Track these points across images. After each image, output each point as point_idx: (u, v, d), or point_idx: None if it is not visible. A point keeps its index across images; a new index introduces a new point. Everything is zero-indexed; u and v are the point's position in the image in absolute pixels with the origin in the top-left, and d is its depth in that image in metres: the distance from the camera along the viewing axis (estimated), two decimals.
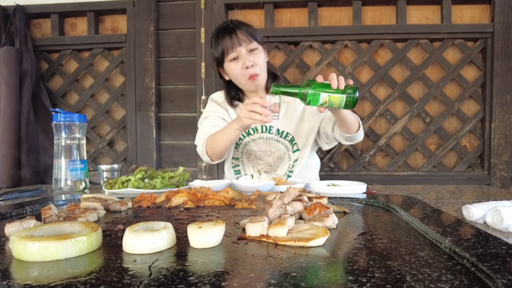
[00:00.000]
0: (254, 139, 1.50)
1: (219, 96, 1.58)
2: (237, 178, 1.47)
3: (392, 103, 1.99)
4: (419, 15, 1.99)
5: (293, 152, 1.50)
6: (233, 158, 1.57)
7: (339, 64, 2.00)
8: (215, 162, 1.45)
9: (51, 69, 2.19)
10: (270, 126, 1.49)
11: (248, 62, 1.35)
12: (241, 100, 1.54)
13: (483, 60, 1.93)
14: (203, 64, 2.03)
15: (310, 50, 2.04)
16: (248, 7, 2.06)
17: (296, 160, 1.50)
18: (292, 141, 1.49)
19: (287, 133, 1.48)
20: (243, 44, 1.35)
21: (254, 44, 1.37)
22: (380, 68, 1.96)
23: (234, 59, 1.38)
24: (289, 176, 1.49)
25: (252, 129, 1.49)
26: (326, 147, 1.52)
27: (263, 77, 1.42)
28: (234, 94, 1.52)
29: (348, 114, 1.23)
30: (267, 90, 1.50)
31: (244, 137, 1.51)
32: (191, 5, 2.05)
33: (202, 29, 2.03)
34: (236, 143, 1.53)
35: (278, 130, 1.49)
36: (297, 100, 1.36)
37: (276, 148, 1.49)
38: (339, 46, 1.99)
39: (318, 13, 2.02)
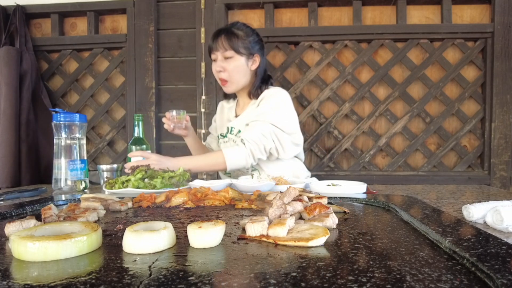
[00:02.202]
0: (225, 141, 1.59)
1: (220, 105, 1.73)
2: (227, 175, 1.58)
3: (392, 103, 1.99)
4: (419, 15, 1.99)
5: None
6: None
7: (339, 64, 2.00)
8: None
9: (51, 69, 2.19)
10: (232, 127, 1.56)
11: (218, 67, 1.47)
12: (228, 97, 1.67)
13: (483, 60, 1.93)
14: (203, 64, 2.03)
15: (310, 50, 2.04)
16: (248, 7, 2.06)
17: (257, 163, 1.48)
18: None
19: (239, 131, 1.53)
20: (220, 50, 1.45)
21: (229, 53, 1.45)
22: (380, 68, 1.96)
23: (214, 60, 1.49)
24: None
25: (223, 131, 1.61)
26: (281, 155, 1.47)
27: (233, 84, 1.50)
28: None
29: (199, 168, 1.39)
30: (249, 95, 1.55)
31: (219, 139, 1.63)
32: (191, 5, 2.05)
33: (202, 29, 2.03)
34: (218, 145, 1.66)
35: (238, 130, 1.53)
36: (256, 103, 1.49)
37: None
38: (339, 46, 1.99)
39: (318, 13, 2.02)
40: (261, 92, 1.52)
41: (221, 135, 1.63)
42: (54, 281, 0.37)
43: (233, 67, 1.46)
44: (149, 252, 0.47)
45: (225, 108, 1.68)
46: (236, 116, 1.60)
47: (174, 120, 1.45)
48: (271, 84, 1.57)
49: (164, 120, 1.47)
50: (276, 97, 1.47)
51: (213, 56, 1.49)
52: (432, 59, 1.94)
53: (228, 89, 1.52)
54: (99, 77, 2.15)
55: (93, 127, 2.19)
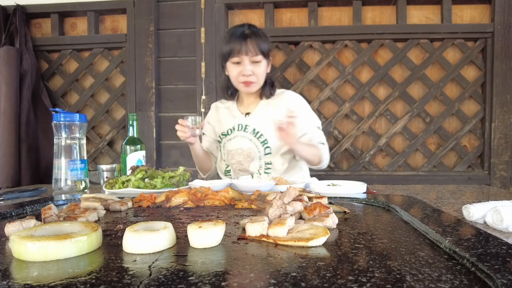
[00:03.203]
0: (230, 139, 1.57)
1: (210, 110, 1.72)
2: (228, 176, 1.60)
3: (392, 103, 1.98)
4: (419, 15, 1.99)
5: (264, 154, 1.52)
6: (222, 159, 1.65)
7: (339, 64, 2.00)
8: (205, 176, 1.68)
9: (51, 69, 2.19)
10: (246, 125, 1.54)
11: (247, 71, 1.44)
12: (233, 94, 1.64)
13: (483, 60, 1.93)
14: (203, 64, 2.03)
15: (310, 50, 2.04)
16: (248, 7, 2.06)
17: (270, 164, 1.51)
18: (264, 143, 1.51)
19: (261, 134, 1.52)
20: (249, 54, 1.42)
21: (259, 57, 1.44)
22: (380, 68, 1.96)
23: (237, 63, 1.45)
24: None
25: (230, 129, 1.58)
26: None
27: (257, 85, 1.51)
28: (233, 90, 1.61)
29: (306, 155, 1.42)
30: (260, 96, 1.57)
31: (222, 139, 1.61)
32: (191, 5, 2.05)
33: (202, 29, 2.03)
34: (219, 147, 1.65)
35: (254, 129, 1.53)
36: (284, 109, 1.50)
37: (247, 146, 1.53)
38: (339, 46, 1.99)
39: (318, 13, 2.02)
40: (274, 92, 1.57)
41: (222, 134, 1.62)
42: (54, 281, 0.37)
43: (262, 71, 1.48)
44: (149, 252, 0.47)
45: (220, 108, 1.66)
46: (246, 114, 1.58)
47: (190, 128, 1.38)
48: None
49: (178, 127, 1.39)
50: (306, 104, 1.58)
51: (236, 59, 1.44)
52: (432, 59, 1.94)
53: (252, 89, 1.51)
54: (99, 77, 2.15)
55: (93, 127, 2.19)
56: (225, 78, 1.61)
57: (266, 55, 1.47)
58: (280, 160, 1.52)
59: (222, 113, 1.65)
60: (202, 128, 1.46)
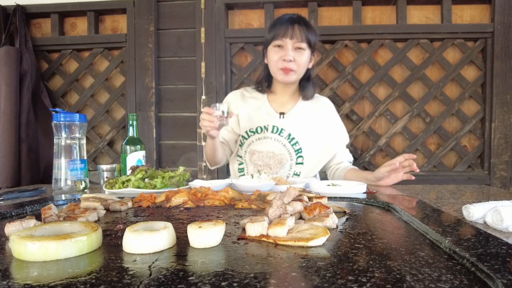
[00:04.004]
0: (259, 138, 1.46)
1: (232, 95, 1.58)
2: (239, 177, 1.49)
3: (392, 103, 1.98)
4: (419, 15, 1.99)
5: (296, 163, 1.45)
6: (237, 155, 1.54)
7: (339, 64, 2.00)
8: (214, 168, 1.54)
9: (51, 69, 2.19)
10: (282, 129, 1.44)
11: (288, 56, 1.34)
12: (269, 87, 1.52)
13: (483, 60, 1.93)
14: (203, 64, 2.03)
15: None
16: (248, 7, 2.06)
17: (299, 175, 1.45)
18: (298, 152, 1.43)
19: (297, 141, 1.43)
20: (294, 38, 1.34)
21: (303, 45, 1.36)
22: (380, 68, 1.96)
23: (279, 46, 1.37)
24: None
25: (261, 127, 1.46)
26: None
27: (296, 76, 1.41)
28: (269, 82, 1.50)
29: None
30: (299, 95, 1.49)
31: (249, 136, 1.48)
32: (191, 5, 2.05)
33: (202, 29, 2.02)
34: (240, 142, 1.51)
35: (289, 135, 1.44)
36: (321, 117, 1.46)
37: (280, 151, 1.44)
38: (339, 46, 1.99)
39: (318, 13, 2.02)
40: (314, 94, 1.49)
41: (250, 131, 1.47)
42: (54, 281, 0.37)
43: (304, 61, 1.38)
44: (149, 252, 0.47)
45: (247, 98, 1.52)
46: (280, 114, 1.48)
47: (219, 117, 1.21)
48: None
49: (205, 116, 1.21)
50: (338, 116, 1.55)
51: (279, 42, 1.35)
52: (432, 59, 1.94)
53: (290, 78, 1.40)
54: (99, 77, 2.15)
55: (93, 127, 2.18)
56: (263, 68, 1.51)
57: (311, 46, 1.39)
58: (310, 172, 1.45)
59: (250, 105, 1.50)
60: (231, 117, 1.28)
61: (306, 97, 1.48)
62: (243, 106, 1.50)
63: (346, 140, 1.52)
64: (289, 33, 1.33)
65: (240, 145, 1.51)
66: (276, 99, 1.51)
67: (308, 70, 1.46)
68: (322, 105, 1.51)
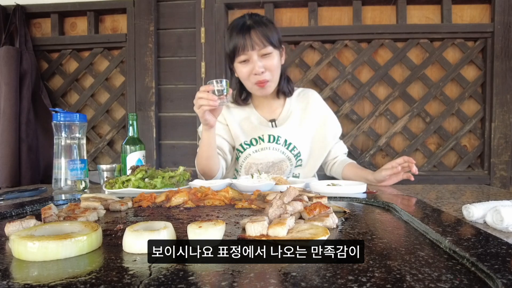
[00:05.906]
0: (257, 150, 1.39)
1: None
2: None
3: (392, 103, 1.98)
4: (419, 15, 1.99)
5: (295, 167, 1.43)
6: (235, 169, 1.50)
7: (339, 64, 2.00)
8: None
9: (51, 68, 2.19)
10: (278, 136, 1.38)
11: (258, 68, 1.25)
12: (247, 99, 1.44)
13: (483, 60, 1.93)
14: (203, 64, 2.03)
15: (310, 49, 2.04)
16: (248, 7, 2.06)
17: (297, 176, 1.45)
18: (297, 156, 1.41)
19: (294, 146, 1.39)
20: (256, 48, 1.23)
21: (269, 49, 1.25)
22: (380, 67, 1.96)
23: (245, 61, 1.27)
24: None
25: (255, 139, 1.39)
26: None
27: (273, 83, 1.33)
28: (246, 95, 1.43)
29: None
30: (277, 94, 1.41)
31: (245, 149, 1.40)
32: (191, 5, 2.05)
33: (202, 29, 2.02)
34: (237, 155, 1.44)
35: (285, 141, 1.39)
36: (312, 113, 1.41)
37: (279, 159, 1.39)
38: (339, 46, 1.99)
39: (318, 13, 2.02)
40: (292, 89, 1.41)
41: (245, 143, 1.39)
42: (54, 281, 0.37)
43: (275, 65, 1.27)
44: None
45: (231, 108, 1.44)
46: (271, 122, 1.43)
47: (217, 94, 1.09)
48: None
49: (202, 95, 1.12)
50: (329, 108, 1.50)
51: (243, 57, 1.25)
52: (432, 59, 1.94)
53: (268, 90, 1.32)
54: (99, 77, 2.15)
55: (93, 127, 2.18)
56: (235, 81, 1.41)
57: (276, 45, 1.26)
58: (309, 173, 1.44)
59: (237, 115, 1.43)
60: (229, 95, 1.18)
61: (289, 94, 1.42)
62: (229, 117, 1.42)
63: (339, 131, 1.47)
64: (249, 44, 1.22)
65: (237, 159, 1.46)
66: (262, 105, 1.45)
67: (281, 66, 1.36)
68: (310, 100, 1.45)
